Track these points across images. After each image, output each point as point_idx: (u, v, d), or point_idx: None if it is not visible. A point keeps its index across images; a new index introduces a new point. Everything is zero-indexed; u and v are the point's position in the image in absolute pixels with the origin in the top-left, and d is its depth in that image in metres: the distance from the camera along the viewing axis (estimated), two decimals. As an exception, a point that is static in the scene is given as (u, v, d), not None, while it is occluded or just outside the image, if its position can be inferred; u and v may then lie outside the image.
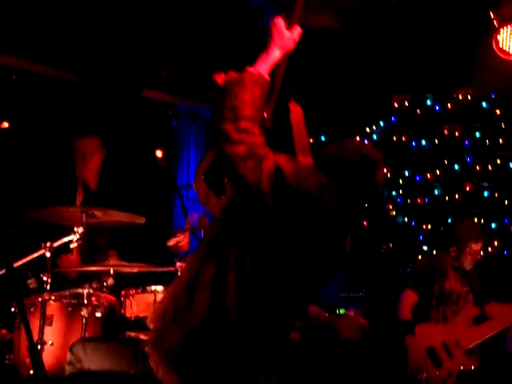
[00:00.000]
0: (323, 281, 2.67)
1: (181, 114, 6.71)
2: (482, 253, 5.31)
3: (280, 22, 2.62)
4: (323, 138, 7.49)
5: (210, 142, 6.45)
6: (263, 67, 2.56)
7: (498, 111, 6.54)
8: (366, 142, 7.24)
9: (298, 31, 2.65)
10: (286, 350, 2.65)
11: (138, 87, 5.92)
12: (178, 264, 4.60)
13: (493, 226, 6.66)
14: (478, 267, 5.38)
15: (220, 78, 2.54)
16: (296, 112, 2.87)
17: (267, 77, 2.55)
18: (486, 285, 5.39)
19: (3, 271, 3.81)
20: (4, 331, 4.32)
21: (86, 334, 4.04)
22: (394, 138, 7.11)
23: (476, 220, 6.63)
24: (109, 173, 4.93)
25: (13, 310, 4.13)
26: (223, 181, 2.79)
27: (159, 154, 5.25)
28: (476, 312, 5.21)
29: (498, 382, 5.44)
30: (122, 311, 4.55)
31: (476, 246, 5.22)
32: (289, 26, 2.64)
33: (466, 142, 6.76)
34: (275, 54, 2.60)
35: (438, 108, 6.88)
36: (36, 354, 2.60)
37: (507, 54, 5.29)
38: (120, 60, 5.65)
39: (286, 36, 2.62)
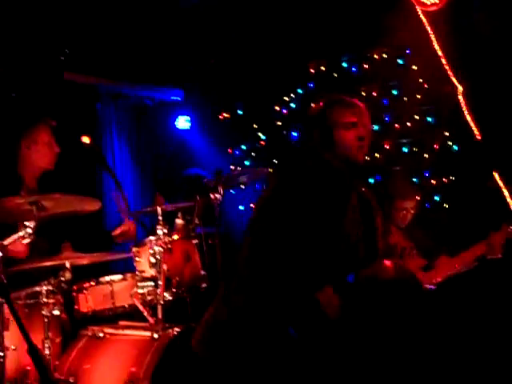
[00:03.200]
0: None
1: (103, 96, 6.43)
2: (412, 211, 5.24)
3: None
4: (240, 112, 7.39)
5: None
6: None
7: (414, 67, 6.57)
8: (284, 111, 7.21)
9: None
10: None
11: (60, 70, 5.61)
12: (134, 249, 4.39)
13: (414, 180, 6.75)
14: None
15: None
16: None
17: None
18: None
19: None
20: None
21: (50, 335, 3.81)
22: (313, 105, 7.07)
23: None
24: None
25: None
26: None
27: (86, 140, 4.95)
28: (422, 263, 5.27)
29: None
30: (76, 307, 4.34)
31: (403, 204, 5.23)
32: None
33: (384, 101, 6.81)
34: None
35: (354, 70, 6.89)
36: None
37: (425, 4, 5.36)
38: (40, 44, 5.33)
39: None
